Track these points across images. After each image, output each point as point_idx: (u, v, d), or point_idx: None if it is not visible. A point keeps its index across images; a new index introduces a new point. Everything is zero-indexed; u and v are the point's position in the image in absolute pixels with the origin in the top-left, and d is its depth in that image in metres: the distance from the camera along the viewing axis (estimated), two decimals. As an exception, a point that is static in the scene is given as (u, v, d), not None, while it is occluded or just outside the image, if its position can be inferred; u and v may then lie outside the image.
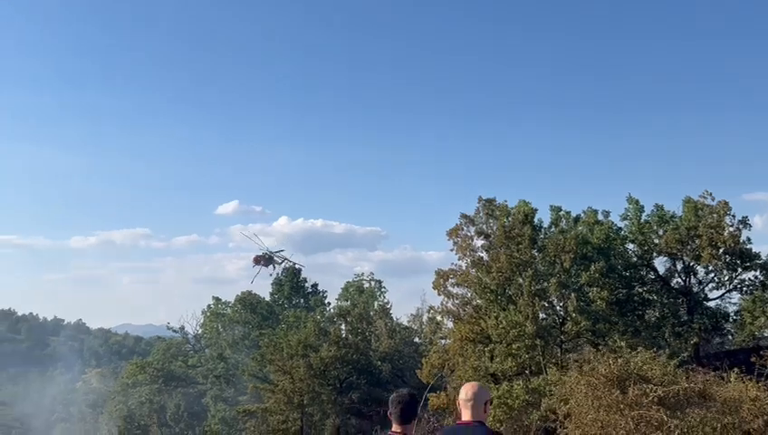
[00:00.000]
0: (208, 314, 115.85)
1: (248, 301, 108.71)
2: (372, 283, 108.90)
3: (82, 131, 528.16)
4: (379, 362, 72.64)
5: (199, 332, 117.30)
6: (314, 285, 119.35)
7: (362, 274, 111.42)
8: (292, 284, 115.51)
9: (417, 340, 78.27)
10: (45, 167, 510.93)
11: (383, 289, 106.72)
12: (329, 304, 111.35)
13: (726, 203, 51.58)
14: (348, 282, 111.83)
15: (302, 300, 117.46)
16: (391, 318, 79.94)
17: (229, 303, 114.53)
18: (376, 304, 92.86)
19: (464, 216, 56.36)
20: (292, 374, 67.86)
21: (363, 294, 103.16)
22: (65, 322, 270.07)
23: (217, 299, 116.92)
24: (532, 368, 50.64)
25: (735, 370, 32.40)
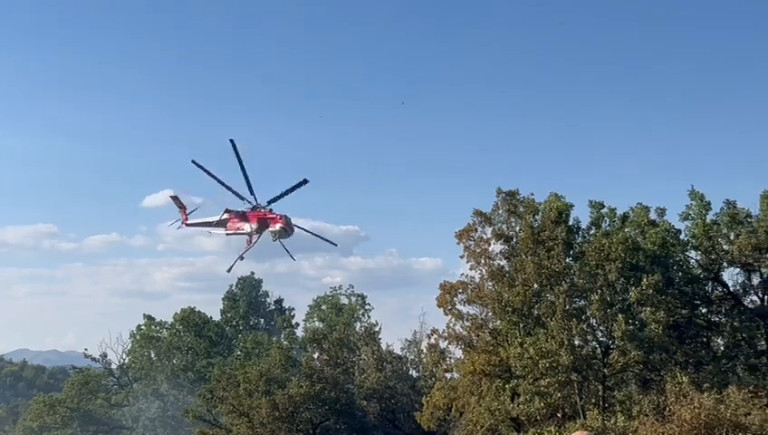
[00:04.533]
0: (138, 337, 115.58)
1: (191, 320, 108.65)
2: (353, 298, 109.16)
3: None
4: (365, 402, 72.74)
5: (126, 360, 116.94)
6: (278, 302, 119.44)
7: (339, 286, 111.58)
8: (250, 298, 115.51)
9: (414, 373, 78.55)
10: None
11: (368, 307, 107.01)
12: (297, 325, 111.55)
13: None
14: (320, 297, 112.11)
15: (262, 320, 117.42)
16: (380, 345, 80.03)
17: (166, 323, 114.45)
18: (359, 325, 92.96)
19: (478, 213, 56.73)
20: (251, 417, 67.93)
21: (342, 314, 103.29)
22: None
23: (150, 318, 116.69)
24: (566, 410, 51.22)
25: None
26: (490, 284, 54.45)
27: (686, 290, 52.50)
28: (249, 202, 60.62)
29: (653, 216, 55.44)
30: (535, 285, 51.15)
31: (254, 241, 61.07)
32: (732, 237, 53.77)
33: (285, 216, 59.36)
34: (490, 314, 55.71)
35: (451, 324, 58.06)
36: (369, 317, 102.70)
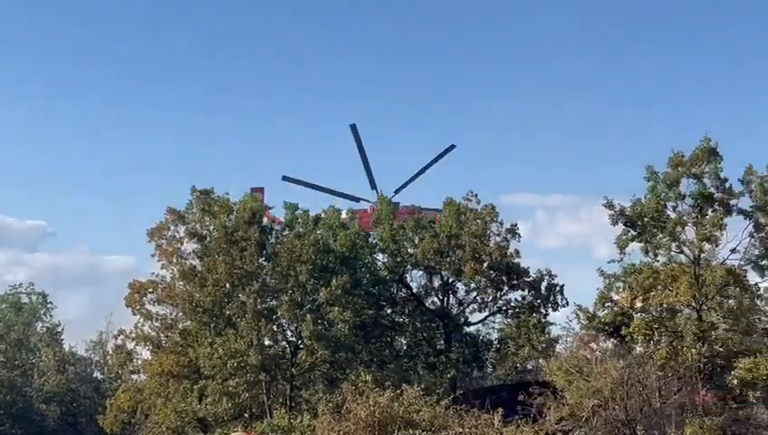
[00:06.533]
0: None
1: None
2: (34, 297, 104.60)
3: None
4: (44, 405, 70.49)
5: None
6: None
7: (19, 284, 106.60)
8: None
9: (98, 375, 76.79)
10: None
11: (50, 306, 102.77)
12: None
13: (494, 208, 56.43)
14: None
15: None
16: (62, 346, 77.64)
17: None
18: (40, 326, 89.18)
19: (171, 210, 56.16)
20: None
21: (22, 313, 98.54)
22: None
23: None
24: (254, 410, 51.81)
25: (500, 410, 35.78)
26: (181, 283, 54.13)
27: (372, 291, 54.57)
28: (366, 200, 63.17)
29: (345, 218, 57.36)
30: (227, 285, 51.35)
31: None
32: (416, 241, 56.63)
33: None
34: (180, 314, 55.40)
35: (139, 325, 57.20)
36: (51, 317, 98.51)
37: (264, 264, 52.27)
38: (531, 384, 42.77)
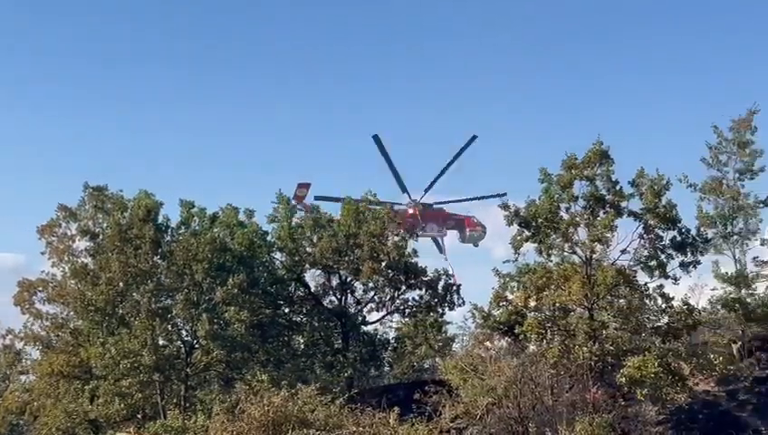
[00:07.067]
0: None
1: None
2: None
3: None
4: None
5: None
6: None
7: None
8: None
9: (-16, 376, 74.57)
10: None
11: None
12: None
13: (391, 207, 56.80)
14: None
15: None
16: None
17: None
18: None
19: (62, 207, 55.06)
20: None
21: None
22: None
23: None
24: (147, 411, 51.07)
25: (396, 409, 36.00)
26: (73, 282, 53.10)
27: (270, 290, 54.32)
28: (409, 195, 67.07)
29: (242, 217, 56.86)
30: (120, 284, 50.52)
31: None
32: (315, 240, 56.58)
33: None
34: (71, 313, 54.34)
35: (29, 324, 55.95)
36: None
37: (159, 262, 51.49)
38: (427, 383, 43.03)
